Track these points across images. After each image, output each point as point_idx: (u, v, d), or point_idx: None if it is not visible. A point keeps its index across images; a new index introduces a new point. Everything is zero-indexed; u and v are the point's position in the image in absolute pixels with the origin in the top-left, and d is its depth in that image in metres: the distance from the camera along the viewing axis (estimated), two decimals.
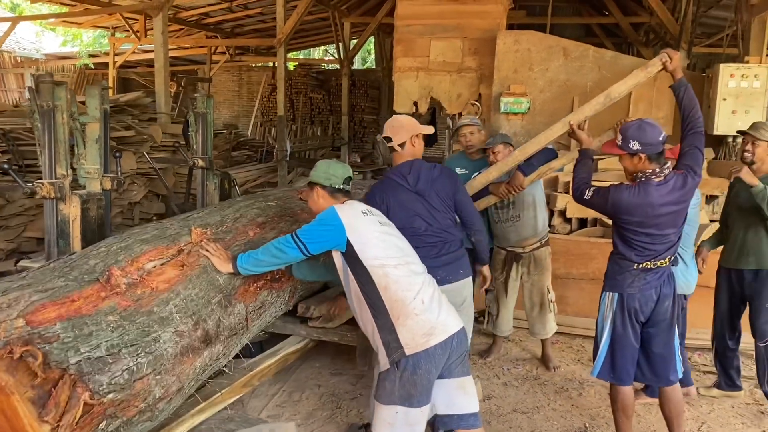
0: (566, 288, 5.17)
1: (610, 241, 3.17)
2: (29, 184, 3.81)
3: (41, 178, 3.86)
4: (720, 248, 3.93)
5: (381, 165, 15.01)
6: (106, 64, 15.05)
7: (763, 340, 3.61)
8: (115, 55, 14.51)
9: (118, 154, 4.58)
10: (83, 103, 4.46)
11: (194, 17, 13.80)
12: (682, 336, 3.91)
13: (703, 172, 5.42)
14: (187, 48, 15.77)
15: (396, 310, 2.41)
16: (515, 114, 6.49)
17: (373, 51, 21.69)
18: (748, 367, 4.30)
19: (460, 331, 2.51)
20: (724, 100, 5.71)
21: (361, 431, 3.36)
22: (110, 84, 13.99)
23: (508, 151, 4.04)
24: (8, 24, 11.73)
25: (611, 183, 3.09)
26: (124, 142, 7.00)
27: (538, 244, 4.28)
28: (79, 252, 2.64)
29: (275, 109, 12.75)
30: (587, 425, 3.65)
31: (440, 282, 2.98)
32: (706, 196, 5.56)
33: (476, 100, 7.08)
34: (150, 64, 10.18)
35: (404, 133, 3.11)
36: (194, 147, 5.43)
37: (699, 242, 4.06)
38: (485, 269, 3.49)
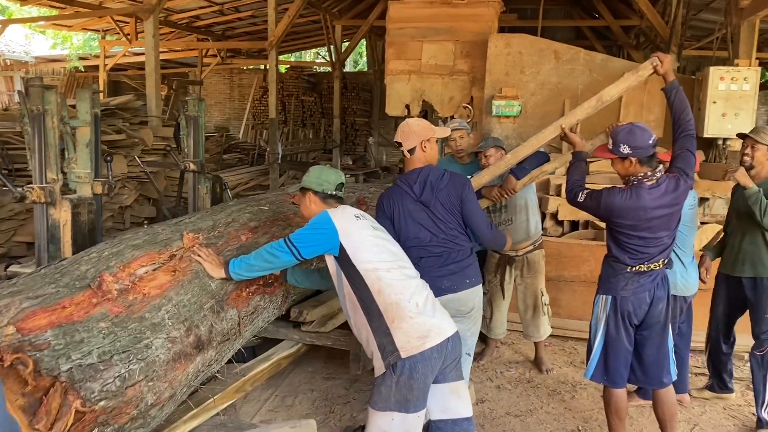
0: (558, 290, 5.18)
1: (602, 243, 3.19)
2: (19, 189, 3.79)
3: (31, 183, 3.83)
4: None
5: (373, 168, 15.02)
6: (96, 67, 15.00)
7: (760, 349, 3.54)
8: (106, 58, 14.45)
9: (109, 158, 4.56)
10: (73, 106, 4.44)
11: (185, 20, 13.76)
12: (688, 339, 3.93)
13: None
14: (178, 51, 15.72)
15: (390, 313, 2.41)
16: (507, 117, 6.51)
17: (364, 53, 21.69)
18: (739, 369, 4.33)
19: (454, 335, 2.51)
20: (714, 102, 5.74)
21: None
22: (101, 87, 13.92)
23: (500, 154, 4.05)
24: None
25: (604, 186, 3.10)
26: (115, 145, 6.97)
27: (531, 247, 4.28)
28: (70, 258, 2.62)
29: (267, 112, 12.71)
30: (580, 428, 3.66)
31: (444, 291, 3.01)
32: (698, 199, 5.59)
33: (468, 103, 7.09)
34: (141, 66, 10.13)
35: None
36: (185, 150, 5.42)
37: (702, 250, 4.08)
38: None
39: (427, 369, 2.41)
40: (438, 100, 7.31)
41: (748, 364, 4.11)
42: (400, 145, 3.12)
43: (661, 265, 3.01)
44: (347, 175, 12.21)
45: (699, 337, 4.28)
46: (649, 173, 2.89)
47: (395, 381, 2.38)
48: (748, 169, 3.54)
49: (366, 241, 2.52)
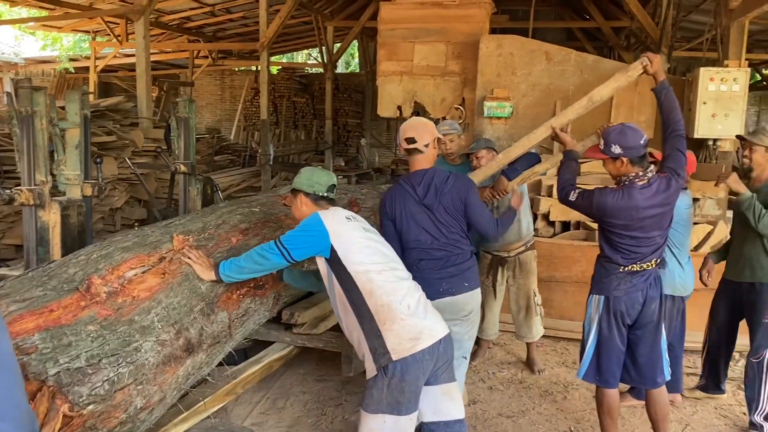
0: (550, 291, 5.19)
1: (594, 244, 3.19)
2: (8, 191, 3.75)
3: (20, 185, 3.80)
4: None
5: (365, 169, 15.01)
6: (86, 69, 14.91)
7: (756, 356, 3.51)
8: (96, 59, 14.36)
9: (98, 159, 4.53)
10: (63, 108, 4.41)
11: (176, 21, 13.70)
12: (681, 340, 3.92)
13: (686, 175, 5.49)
14: (169, 52, 15.65)
15: (382, 315, 2.40)
16: (499, 118, 6.52)
17: (356, 55, 21.68)
18: (729, 369, 4.34)
19: (446, 336, 2.50)
20: (704, 103, 5.77)
21: None
22: (91, 88, 13.85)
23: (492, 155, 4.04)
24: None
25: (596, 186, 3.10)
26: (106, 147, 6.93)
27: (523, 248, 4.29)
28: (59, 261, 2.59)
29: (258, 113, 12.70)
30: (572, 429, 3.66)
31: (443, 294, 3.02)
32: None
33: (460, 104, 7.09)
34: (131, 68, 10.10)
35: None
36: (176, 152, 5.39)
37: (706, 253, 4.09)
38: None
39: (419, 371, 2.40)
40: (430, 101, 7.31)
41: (739, 364, 4.12)
42: (411, 141, 3.05)
43: (654, 265, 3.01)
44: (339, 177, 12.19)
45: (691, 337, 4.29)
46: (641, 173, 2.90)
47: (387, 384, 2.37)
48: (748, 171, 3.51)
49: (357, 242, 2.51)
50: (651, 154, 3.16)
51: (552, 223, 5.71)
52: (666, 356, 3.18)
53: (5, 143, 6.28)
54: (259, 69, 11.77)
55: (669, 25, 8.37)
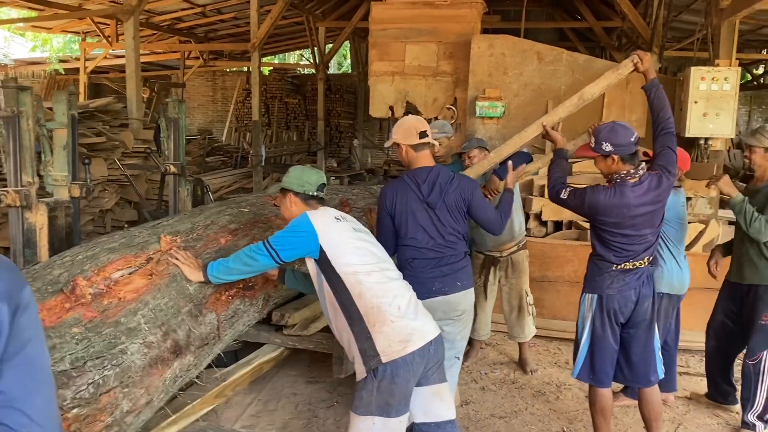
0: (542, 291, 5.18)
1: (586, 243, 3.18)
2: None
3: (6, 186, 3.75)
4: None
5: (358, 170, 14.99)
6: (77, 70, 14.80)
7: (753, 358, 3.48)
8: (86, 60, 14.27)
9: (87, 160, 4.48)
10: (51, 108, 4.36)
11: (167, 22, 13.63)
12: (676, 339, 3.91)
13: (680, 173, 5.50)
14: (160, 53, 15.57)
15: (372, 317, 2.37)
16: (490, 118, 6.51)
17: (348, 55, 21.66)
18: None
19: (437, 338, 2.47)
20: (696, 102, 5.78)
21: None
22: (81, 90, 13.75)
23: (483, 155, 4.03)
24: None
25: (587, 184, 3.10)
26: (95, 148, 6.87)
27: (515, 248, 4.27)
28: (43, 262, 2.55)
29: (250, 114, 12.65)
30: (565, 429, 3.64)
31: (435, 293, 3.01)
32: None
33: (452, 105, 7.09)
34: (122, 69, 10.00)
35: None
36: (166, 153, 5.35)
37: (714, 246, 4.07)
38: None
39: (409, 373, 2.37)
40: (422, 101, 7.30)
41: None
42: (424, 135, 3.05)
43: (647, 263, 3.01)
44: (332, 178, 12.19)
45: (686, 337, 4.29)
46: (632, 171, 2.89)
47: (376, 386, 2.34)
48: (749, 172, 3.50)
49: (346, 243, 2.48)
50: (646, 153, 3.15)
51: (544, 223, 5.71)
52: (659, 355, 3.18)
53: None
54: (250, 70, 11.71)
55: (660, 25, 8.39)
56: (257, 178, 10.78)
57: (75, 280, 2.29)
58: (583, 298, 3.12)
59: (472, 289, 3.20)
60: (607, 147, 2.88)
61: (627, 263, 2.96)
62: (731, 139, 10.98)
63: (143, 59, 14.93)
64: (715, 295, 3.86)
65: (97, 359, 2.11)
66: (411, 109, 7.53)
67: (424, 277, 3.02)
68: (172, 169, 5.25)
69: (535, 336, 4.60)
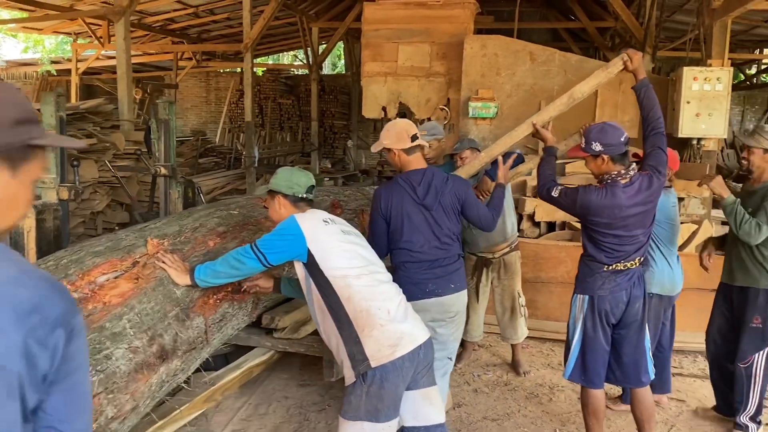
0: (535, 292, 5.16)
1: (579, 244, 3.17)
2: None
3: None
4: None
5: (352, 171, 14.96)
6: (69, 71, 14.72)
7: (744, 361, 3.44)
8: (78, 61, 14.20)
9: (75, 162, 4.43)
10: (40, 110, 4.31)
11: (159, 23, 13.57)
12: (670, 340, 3.87)
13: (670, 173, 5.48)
14: (153, 54, 15.51)
15: (360, 321, 2.34)
16: (483, 119, 6.49)
17: (343, 56, 21.63)
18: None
19: (426, 341, 2.44)
20: (688, 103, 5.77)
21: None
22: (73, 91, 13.69)
23: (475, 156, 4.00)
24: None
25: (579, 184, 3.08)
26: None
27: (507, 249, 4.25)
28: None
29: (243, 115, 12.61)
30: (558, 431, 3.62)
31: (428, 294, 3.01)
32: None
33: (445, 105, 7.07)
34: (114, 70, 9.96)
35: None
36: (156, 155, 5.31)
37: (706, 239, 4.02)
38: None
39: (399, 378, 2.34)
40: (415, 102, 7.28)
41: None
42: (415, 137, 3.04)
43: (638, 264, 3.00)
44: (326, 179, 12.15)
45: (681, 338, 4.27)
46: (623, 171, 2.88)
47: (365, 391, 2.31)
48: (747, 173, 3.42)
49: (335, 246, 2.44)
50: (636, 155, 3.14)
51: (537, 224, 5.69)
52: (650, 355, 3.16)
53: None
54: (243, 70, 11.68)
55: (653, 25, 8.39)
56: (250, 179, 10.73)
57: None
58: (575, 299, 3.12)
59: (465, 291, 3.20)
60: (597, 147, 2.88)
61: (618, 264, 2.95)
62: (724, 139, 10.99)
63: (136, 60, 14.90)
64: (709, 295, 3.83)
65: None
66: (404, 110, 7.52)
67: (418, 279, 3.02)
68: (163, 170, 5.21)
69: (529, 337, 4.59)
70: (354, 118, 17.16)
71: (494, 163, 3.79)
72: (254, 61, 12.77)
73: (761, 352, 3.40)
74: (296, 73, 19.33)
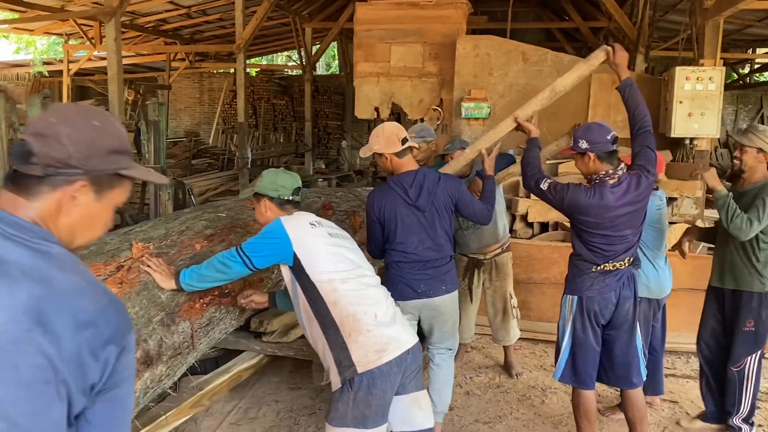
0: (528, 293, 5.14)
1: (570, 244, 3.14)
2: None
3: None
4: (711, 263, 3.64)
5: (346, 171, 14.92)
6: (61, 72, 14.64)
7: (737, 365, 3.40)
8: (70, 62, 14.12)
9: None
10: None
11: (152, 23, 13.50)
12: (662, 342, 3.84)
13: (662, 175, 5.46)
14: (146, 54, 15.42)
15: (347, 326, 2.30)
16: (476, 119, 6.47)
17: (337, 56, 21.59)
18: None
19: (414, 346, 2.41)
20: (681, 102, 5.76)
21: None
22: (65, 92, 13.61)
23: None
24: None
25: (570, 181, 3.07)
26: None
27: (499, 251, 4.22)
28: None
29: (237, 116, 12.55)
30: None
31: (421, 295, 3.06)
32: (666, 199, 5.58)
33: (437, 106, 7.04)
34: (107, 71, 9.89)
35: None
36: (146, 156, 5.27)
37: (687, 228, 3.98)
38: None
39: (386, 384, 2.30)
40: (407, 102, 7.26)
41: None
42: (405, 140, 3.06)
43: (627, 264, 2.98)
44: (320, 179, 12.10)
45: (671, 338, 4.25)
46: (611, 171, 2.87)
47: (352, 397, 2.28)
48: (740, 173, 3.37)
49: (321, 250, 2.41)
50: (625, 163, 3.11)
51: (530, 225, 5.66)
52: (642, 356, 3.14)
53: None
54: (236, 71, 11.62)
55: (646, 24, 8.39)
56: (243, 180, 10.69)
57: None
58: (564, 300, 3.11)
59: (456, 292, 3.24)
60: (584, 144, 2.89)
61: (607, 264, 2.94)
62: (718, 138, 11.00)
63: (128, 61, 14.83)
64: (700, 295, 3.80)
65: None
66: (397, 111, 7.49)
67: (411, 279, 3.06)
68: None
69: (521, 338, 4.57)
70: (348, 119, 17.12)
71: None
72: (248, 61, 12.71)
73: (754, 355, 3.38)
74: (290, 73, 19.28)
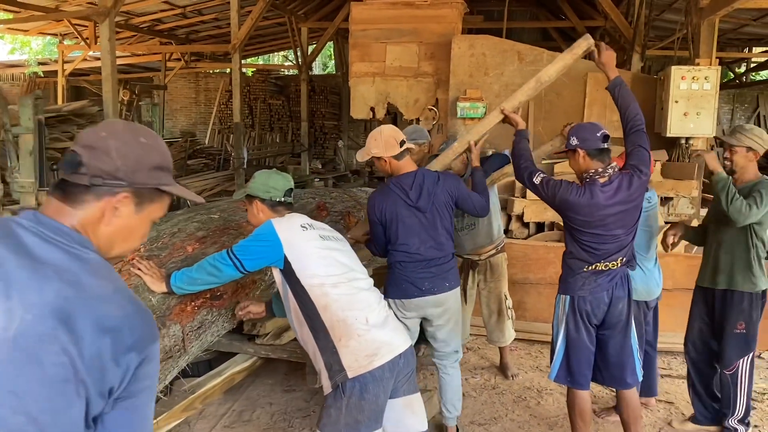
0: (524, 293, 5.12)
1: None
2: None
3: None
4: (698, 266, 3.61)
5: (343, 171, 14.89)
6: (56, 72, 14.59)
7: (729, 368, 3.37)
8: (65, 62, 14.06)
9: (55, 166, 4.37)
10: None
11: (147, 23, 13.45)
12: (653, 344, 3.81)
13: (657, 174, 5.45)
14: (141, 55, 15.38)
15: (337, 331, 2.28)
16: (472, 119, 6.45)
17: (333, 56, 21.55)
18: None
19: (407, 350, 2.39)
20: (676, 102, 5.75)
21: None
22: (60, 92, 13.55)
23: (462, 158, 3.95)
24: None
25: (562, 178, 3.07)
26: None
27: (494, 251, 4.20)
28: None
29: (233, 116, 12.53)
30: None
31: (425, 293, 3.10)
32: (661, 198, 5.58)
33: (433, 105, 7.03)
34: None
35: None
36: None
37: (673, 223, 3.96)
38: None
39: (378, 389, 2.28)
40: (403, 102, 7.24)
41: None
42: (403, 143, 3.08)
43: (620, 264, 2.96)
44: (316, 180, 12.07)
45: (664, 338, 4.24)
46: (600, 169, 2.86)
47: (345, 403, 2.25)
48: (730, 173, 3.32)
49: (312, 253, 2.38)
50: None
51: (526, 224, 5.64)
52: (638, 357, 3.13)
53: None
54: (232, 71, 11.59)
55: (642, 24, 8.38)
56: (239, 180, 10.65)
57: None
58: (558, 300, 3.11)
59: (458, 289, 3.29)
60: (573, 141, 2.91)
61: (599, 264, 2.93)
62: (714, 137, 11.00)
63: (124, 61, 14.79)
64: None
65: None
66: (393, 111, 7.46)
67: (414, 278, 3.10)
68: None
69: (517, 339, 4.55)
70: (344, 119, 17.07)
71: (480, 165, 3.75)
72: (244, 61, 12.69)
73: (746, 357, 3.36)
74: (286, 73, 19.24)
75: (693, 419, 3.66)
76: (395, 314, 3.13)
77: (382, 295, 2.56)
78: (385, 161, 3.08)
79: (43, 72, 15.50)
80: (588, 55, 3.33)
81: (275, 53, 22.06)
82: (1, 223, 1.11)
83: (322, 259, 2.38)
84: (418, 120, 7.18)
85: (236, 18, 10.46)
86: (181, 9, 12.63)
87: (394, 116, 12.80)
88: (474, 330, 4.55)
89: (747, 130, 3.31)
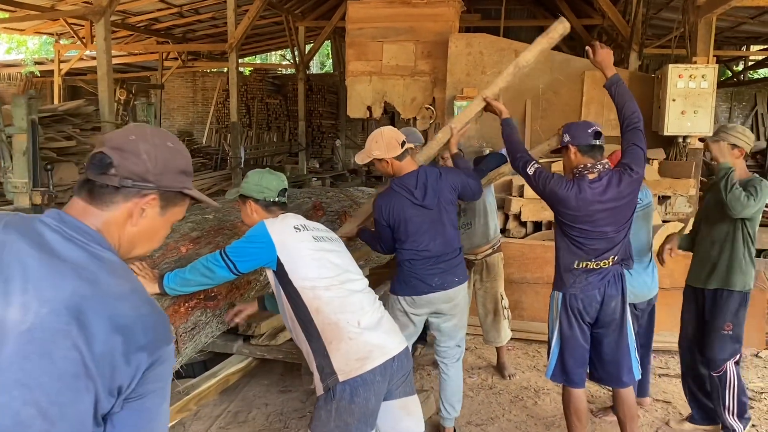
0: (521, 292, 5.11)
1: None
2: None
3: None
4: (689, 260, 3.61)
5: (340, 170, 14.86)
6: (53, 72, 14.55)
7: (717, 370, 3.35)
8: (61, 62, 14.02)
9: (49, 166, 4.33)
10: None
11: (143, 23, 13.42)
12: (647, 344, 3.79)
13: (653, 173, 5.44)
14: (138, 54, 15.34)
15: (329, 334, 2.26)
16: None
17: (330, 55, 21.52)
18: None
19: (401, 352, 2.36)
20: (674, 100, 5.74)
21: None
22: (56, 92, 13.51)
23: (457, 154, 3.93)
24: None
25: (555, 171, 3.08)
26: (65, 152, 6.70)
27: (490, 251, 4.19)
28: None
29: (230, 115, 12.50)
30: None
31: (435, 288, 3.13)
32: (658, 197, 5.57)
33: (430, 104, 7.01)
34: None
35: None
36: None
37: (668, 235, 3.95)
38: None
39: (369, 392, 2.25)
40: (400, 101, 7.23)
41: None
42: (404, 143, 3.08)
43: (611, 263, 2.94)
44: (313, 179, 12.05)
45: (659, 338, 4.23)
46: (589, 165, 2.86)
47: (335, 406, 2.23)
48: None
49: (304, 255, 2.35)
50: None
51: (523, 224, 5.63)
52: (635, 356, 3.11)
53: None
54: (229, 70, 11.56)
55: (639, 22, 8.37)
56: (237, 180, 10.63)
57: None
58: (552, 297, 3.12)
59: (465, 283, 3.32)
60: (566, 138, 2.93)
61: (590, 262, 2.91)
62: (699, 139, 10.99)
63: (120, 61, 14.76)
64: None
65: None
66: (390, 110, 7.44)
67: (424, 275, 3.12)
68: None
69: (514, 339, 4.54)
70: (342, 118, 17.06)
71: (476, 164, 3.74)
72: (241, 60, 12.65)
73: (733, 359, 3.34)
74: (283, 72, 19.20)
75: (690, 419, 3.65)
76: (405, 311, 3.17)
77: (377, 296, 2.53)
78: (387, 162, 3.07)
79: (40, 71, 15.46)
80: (584, 55, 3.30)
81: (272, 52, 22.02)
82: (26, 220, 1.13)
83: (314, 261, 2.35)
84: (415, 119, 7.17)
85: (233, 17, 10.44)
86: (177, 8, 12.60)
87: (391, 115, 12.78)
88: (470, 330, 4.51)
89: (729, 128, 3.32)
